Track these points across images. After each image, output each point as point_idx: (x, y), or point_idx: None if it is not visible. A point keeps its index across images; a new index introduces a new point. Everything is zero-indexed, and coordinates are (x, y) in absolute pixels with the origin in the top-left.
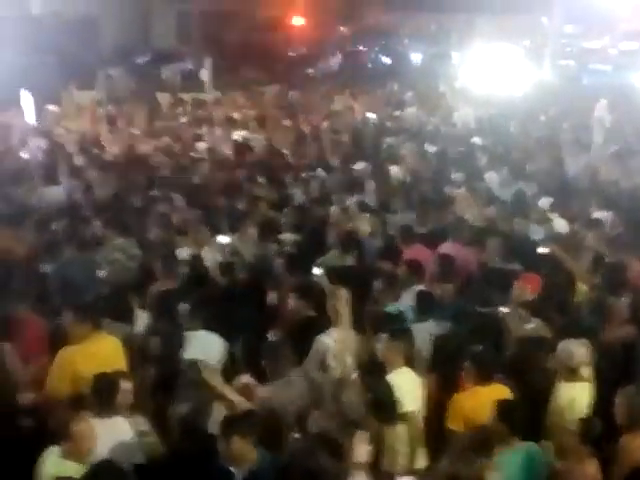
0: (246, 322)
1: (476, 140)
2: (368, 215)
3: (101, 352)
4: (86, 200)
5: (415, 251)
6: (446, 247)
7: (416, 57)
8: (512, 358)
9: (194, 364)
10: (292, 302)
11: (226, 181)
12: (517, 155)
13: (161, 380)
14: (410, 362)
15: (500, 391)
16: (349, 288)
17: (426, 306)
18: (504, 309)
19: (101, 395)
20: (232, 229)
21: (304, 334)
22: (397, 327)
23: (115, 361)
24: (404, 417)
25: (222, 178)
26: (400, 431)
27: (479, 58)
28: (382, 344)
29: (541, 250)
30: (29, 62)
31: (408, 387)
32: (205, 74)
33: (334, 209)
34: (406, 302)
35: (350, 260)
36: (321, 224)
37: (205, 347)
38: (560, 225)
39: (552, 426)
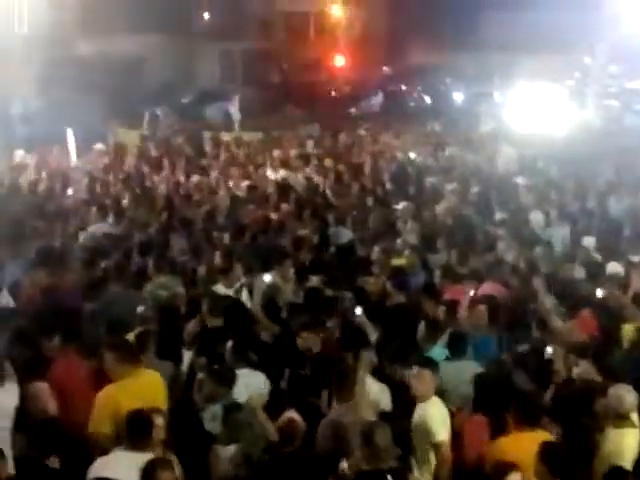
0: (288, 360)
1: (519, 180)
2: (409, 254)
3: (142, 389)
4: (131, 237)
5: (455, 291)
6: (487, 288)
7: (458, 96)
8: (559, 401)
9: (241, 403)
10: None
11: (267, 220)
12: (560, 195)
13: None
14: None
15: (545, 439)
16: (393, 326)
17: (459, 347)
18: (550, 350)
19: (135, 431)
20: (273, 268)
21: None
22: (425, 357)
23: (156, 398)
24: (436, 446)
25: (263, 217)
26: (431, 460)
27: (521, 97)
28: (412, 375)
29: (593, 291)
30: (76, 101)
31: (440, 417)
32: (235, 113)
33: (376, 249)
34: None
35: (399, 297)
36: (364, 264)
37: (249, 385)
38: (611, 267)
39: (600, 473)
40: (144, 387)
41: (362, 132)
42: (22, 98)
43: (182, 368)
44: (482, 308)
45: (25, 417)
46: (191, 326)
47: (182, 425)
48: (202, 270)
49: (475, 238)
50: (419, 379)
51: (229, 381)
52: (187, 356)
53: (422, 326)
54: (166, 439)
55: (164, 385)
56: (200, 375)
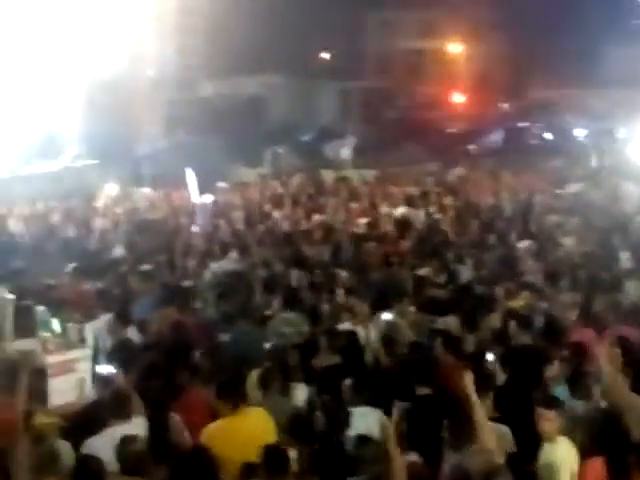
0: (408, 399)
1: None
2: (531, 294)
3: (246, 428)
4: (254, 274)
5: (582, 332)
6: (618, 330)
7: (580, 133)
8: None
9: (364, 440)
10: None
11: (387, 257)
12: None
13: (323, 456)
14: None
15: None
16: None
17: (584, 387)
18: None
19: (271, 465)
20: (393, 306)
21: None
22: (551, 397)
23: (262, 436)
24: None
25: (383, 254)
26: None
27: None
28: (538, 415)
29: None
30: (199, 141)
31: (566, 457)
32: (346, 152)
33: (499, 288)
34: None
35: (524, 338)
36: (486, 303)
37: (368, 423)
38: None
39: None
40: (249, 426)
41: (482, 169)
42: (148, 137)
43: (300, 404)
44: (615, 350)
45: (164, 448)
46: (312, 363)
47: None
48: (325, 307)
49: (600, 277)
50: (545, 419)
51: (343, 419)
52: (304, 392)
53: (547, 368)
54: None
55: (271, 422)
56: (317, 412)
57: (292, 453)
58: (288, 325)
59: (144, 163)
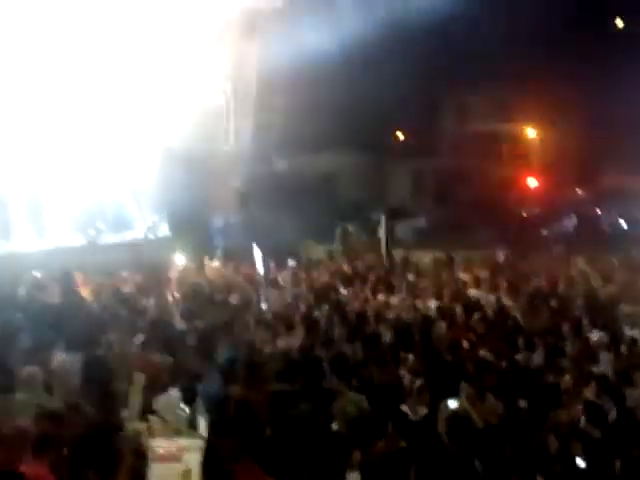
0: None
1: None
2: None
3: None
4: (323, 353)
5: None
6: None
7: None
8: None
9: None
10: None
11: (456, 340)
12: None
13: None
14: None
15: None
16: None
17: None
18: None
19: None
20: (459, 391)
21: None
22: None
23: None
24: None
25: (451, 337)
26: None
27: None
28: None
29: None
30: (271, 215)
31: None
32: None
33: (568, 378)
34: None
35: (595, 433)
36: (554, 393)
37: None
38: None
39: None
40: None
41: (554, 255)
42: (222, 211)
43: None
44: None
45: None
46: (377, 447)
47: None
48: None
49: None
50: None
51: None
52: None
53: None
54: None
55: None
56: None
57: None
58: (353, 405)
59: (216, 236)
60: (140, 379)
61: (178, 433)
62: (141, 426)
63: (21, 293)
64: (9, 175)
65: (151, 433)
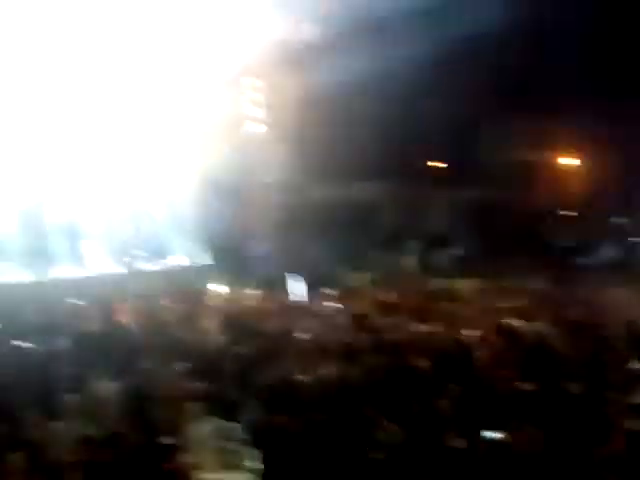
0: None
1: None
2: None
3: None
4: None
5: None
6: None
7: None
8: None
9: None
10: None
11: (496, 370)
12: None
13: None
14: None
15: None
16: None
17: None
18: None
19: None
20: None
21: None
22: None
23: None
24: None
25: (491, 366)
26: None
27: None
28: None
29: None
30: (309, 244)
31: None
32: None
33: (609, 408)
34: None
35: None
36: (595, 423)
37: None
38: None
39: None
40: None
41: (594, 285)
42: (260, 239)
43: None
44: None
45: None
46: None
47: None
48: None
49: None
50: None
51: None
52: None
53: None
54: None
55: None
56: None
57: None
58: (392, 438)
59: (254, 265)
60: (190, 409)
61: (228, 466)
62: (190, 458)
63: (60, 321)
64: (48, 202)
65: (200, 466)
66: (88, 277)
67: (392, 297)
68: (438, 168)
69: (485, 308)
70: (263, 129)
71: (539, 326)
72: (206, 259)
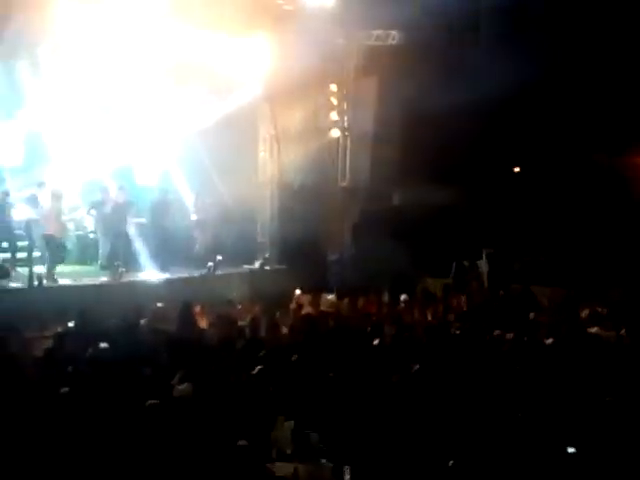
0: None
1: None
2: None
3: None
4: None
5: None
6: None
7: None
8: None
9: None
10: None
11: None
12: None
13: None
14: None
15: None
16: None
17: None
18: None
19: None
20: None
21: None
22: None
23: None
24: None
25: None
26: None
27: None
28: None
29: None
30: (387, 249)
31: None
32: (483, 265)
33: None
34: None
35: None
36: None
37: None
38: None
39: None
40: None
41: None
42: (337, 244)
43: None
44: None
45: None
46: None
47: None
48: None
49: None
50: None
51: None
52: None
53: None
54: None
55: None
56: None
57: None
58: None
59: (332, 269)
60: (289, 425)
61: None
62: (287, 470)
63: (143, 323)
64: (132, 209)
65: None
66: (170, 280)
67: (470, 303)
68: (515, 172)
69: (565, 314)
70: (341, 133)
71: (620, 333)
72: (284, 263)
